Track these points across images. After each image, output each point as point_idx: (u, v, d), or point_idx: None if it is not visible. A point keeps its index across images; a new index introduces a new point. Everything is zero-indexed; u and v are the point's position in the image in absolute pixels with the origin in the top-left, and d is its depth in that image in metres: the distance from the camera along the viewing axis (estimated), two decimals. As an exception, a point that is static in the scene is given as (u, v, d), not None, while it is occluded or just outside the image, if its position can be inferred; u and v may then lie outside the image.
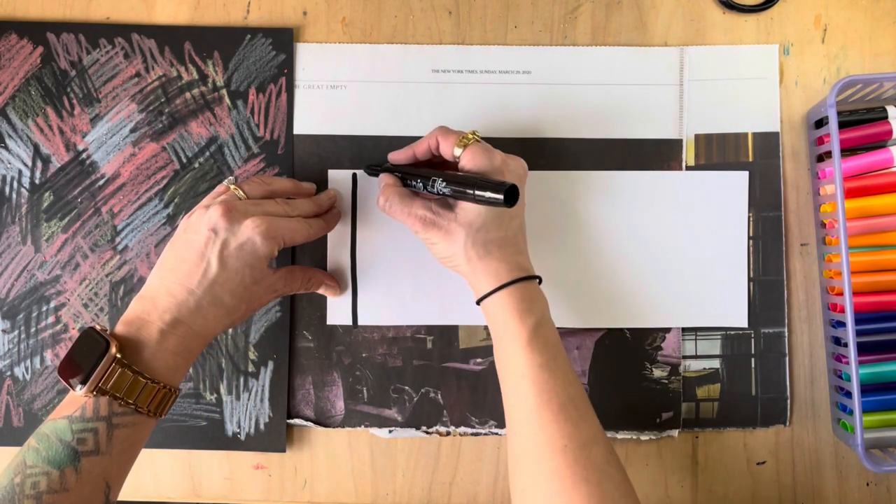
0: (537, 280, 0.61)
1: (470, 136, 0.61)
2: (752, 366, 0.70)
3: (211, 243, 0.57)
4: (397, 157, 0.67)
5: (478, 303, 0.61)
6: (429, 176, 0.60)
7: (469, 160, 0.60)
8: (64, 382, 0.53)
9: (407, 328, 0.70)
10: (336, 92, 0.71)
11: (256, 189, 0.62)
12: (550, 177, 0.70)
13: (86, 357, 0.53)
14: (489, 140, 0.69)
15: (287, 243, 0.60)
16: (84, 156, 0.70)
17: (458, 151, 0.61)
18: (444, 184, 0.59)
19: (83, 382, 0.52)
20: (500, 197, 0.54)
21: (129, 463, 0.55)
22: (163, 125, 0.70)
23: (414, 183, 0.63)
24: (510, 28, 0.71)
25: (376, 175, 0.67)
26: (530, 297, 0.59)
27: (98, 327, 0.55)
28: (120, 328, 0.55)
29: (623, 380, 0.70)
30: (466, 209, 0.59)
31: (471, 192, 0.56)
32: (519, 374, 0.57)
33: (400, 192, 0.63)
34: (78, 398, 0.53)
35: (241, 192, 0.61)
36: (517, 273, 0.59)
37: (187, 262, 0.57)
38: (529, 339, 0.57)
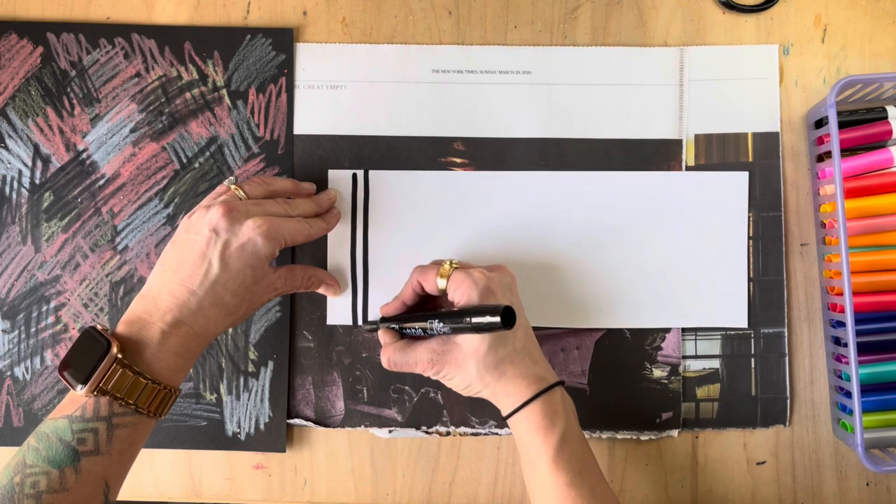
0: (560, 384, 0.60)
1: (447, 266, 0.61)
2: (752, 366, 0.70)
3: (212, 244, 0.57)
4: (388, 309, 0.66)
5: (505, 419, 0.60)
6: (424, 318, 0.61)
7: (454, 291, 0.60)
8: (64, 382, 0.53)
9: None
10: (336, 92, 0.71)
11: (257, 189, 0.62)
12: (550, 177, 0.70)
13: (87, 357, 0.53)
14: (490, 140, 0.69)
15: (288, 243, 0.60)
16: (84, 156, 0.70)
17: (441, 283, 0.61)
18: (441, 323, 0.59)
19: (84, 382, 0.52)
20: (497, 320, 0.54)
21: (129, 463, 0.55)
22: (163, 125, 0.70)
23: (412, 330, 0.63)
24: (510, 28, 0.71)
25: (375, 331, 0.68)
26: (553, 411, 0.58)
27: (99, 327, 0.55)
28: (121, 328, 0.55)
29: (623, 380, 0.70)
30: (469, 337, 0.58)
31: (467, 324, 0.56)
32: (546, 492, 0.57)
33: (399, 346, 0.63)
34: (78, 398, 0.53)
35: (241, 193, 0.61)
36: (536, 386, 0.59)
37: (188, 263, 0.57)
38: (555, 456, 0.57)
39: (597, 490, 0.57)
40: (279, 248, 0.60)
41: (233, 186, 0.61)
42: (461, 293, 0.59)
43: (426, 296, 0.65)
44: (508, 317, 0.54)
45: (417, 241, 0.69)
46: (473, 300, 0.58)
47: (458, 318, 0.57)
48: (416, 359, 0.61)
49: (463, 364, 0.59)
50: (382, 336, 0.65)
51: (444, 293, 0.61)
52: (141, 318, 0.55)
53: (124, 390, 0.53)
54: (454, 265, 0.61)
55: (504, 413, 0.60)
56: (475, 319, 0.55)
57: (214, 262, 0.57)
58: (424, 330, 0.61)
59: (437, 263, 0.63)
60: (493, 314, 0.54)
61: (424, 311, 0.65)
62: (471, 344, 0.58)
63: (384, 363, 0.64)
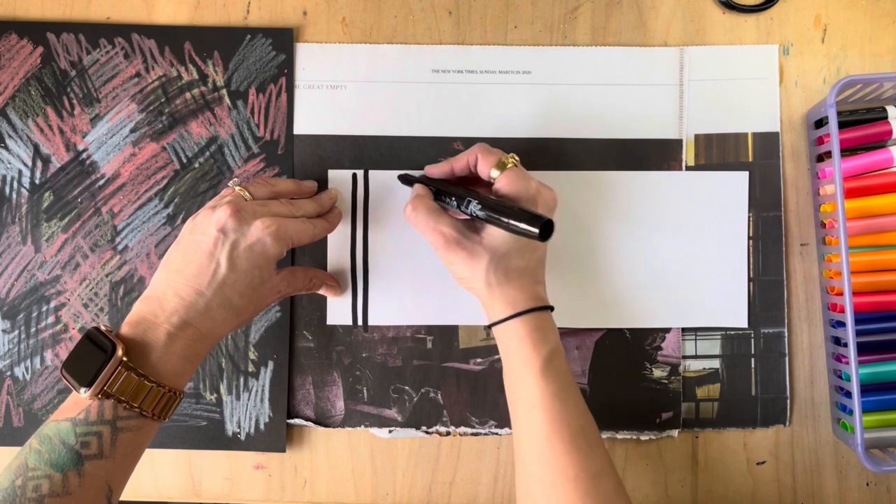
0: (550, 310, 0.61)
1: (509, 160, 0.61)
2: (752, 366, 0.70)
3: (220, 244, 0.57)
4: (434, 170, 0.66)
5: (489, 327, 0.61)
6: (464, 196, 0.60)
7: (505, 184, 0.60)
8: (67, 384, 0.53)
9: (407, 328, 0.70)
10: (336, 92, 0.71)
11: (261, 190, 0.62)
12: (551, 177, 0.70)
13: (91, 359, 0.52)
14: (490, 140, 0.69)
15: (294, 244, 0.60)
16: (84, 156, 0.70)
17: (494, 173, 0.61)
18: (479, 206, 0.58)
19: (88, 385, 0.51)
20: (535, 231, 0.54)
21: (132, 466, 0.55)
22: (163, 125, 0.70)
23: (447, 199, 0.62)
24: (510, 28, 0.71)
25: (409, 184, 0.67)
26: (544, 327, 0.59)
27: (103, 328, 0.54)
28: (125, 329, 0.55)
29: (623, 380, 0.70)
30: (493, 234, 0.59)
31: (505, 220, 0.56)
32: (531, 403, 0.57)
33: (429, 205, 0.62)
34: (82, 400, 0.52)
35: (246, 194, 0.61)
36: (533, 302, 0.59)
37: (195, 263, 0.56)
38: (542, 368, 0.57)
39: (580, 407, 0.58)
40: (286, 248, 0.59)
41: (237, 188, 0.61)
42: (509, 188, 0.59)
43: (472, 176, 0.64)
44: (547, 231, 0.54)
45: (417, 241, 0.69)
46: (516, 201, 0.59)
47: (498, 211, 0.57)
48: (436, 226, 0.60)
49: (477, 256, 0.59)
50: (418, 188, 0.64)
51: (491, 182, 0.61)
52: (146, 320, 0.55)
53: (129, 393, 0.52)
54: (514, 161, 0.61)
55: (494, 318, 0.60)
56: (513, 221, 0.55)
57: (223, 262, 0.56)
58: (459, 205, 0.60)
59: (501, 154, 0.62)
60: (532, 223, 0.54)
61: (465, 188, 0.64)
62: (494, 240, 0.59)
63: (407, 211, 0.62)
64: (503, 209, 0.57)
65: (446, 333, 0.70)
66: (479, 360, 0.70)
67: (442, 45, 0.71)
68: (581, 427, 0.56)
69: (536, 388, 0.57)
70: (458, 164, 0.64)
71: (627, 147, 0.70)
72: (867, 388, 0.66)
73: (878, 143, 0.68)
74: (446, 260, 0.61)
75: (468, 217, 0.61)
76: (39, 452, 0.51)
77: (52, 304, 0.70)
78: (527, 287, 0.60)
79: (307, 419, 0.70)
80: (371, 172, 0.70)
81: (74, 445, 0.51)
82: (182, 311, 0.55)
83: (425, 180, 0.66)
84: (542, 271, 0.62)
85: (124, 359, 0.52)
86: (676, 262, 0.70)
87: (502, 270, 0.59)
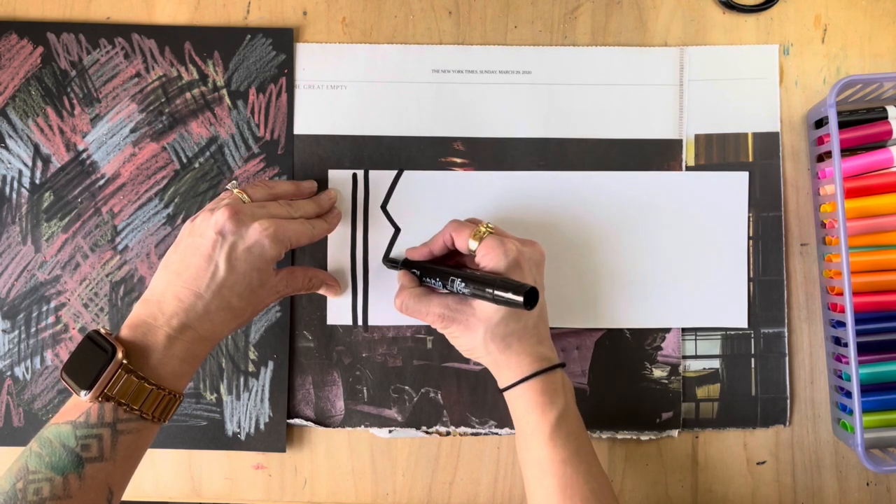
0: (561, 367, 0.61)
1: (483, 229, 0.61)
2: (752, 366, 0.70)
3: (218, 246, 0.57)
4: (414, 254, 0.67)
5: (500, 392, 0.61)
6: (447, 275, 0.61)
7: (484, 256, 0.60)
8: (67, 387, 0.53)
9: (407, 328, 0.70)
10: (336, 92, 0.71)
11: (260, 192, 0.62)
12: (550, 177, 0.70)
13: (91, 362, 0.52)
14: (490, 140, 0.69)
15: (293, 245, 0.60)
16: (84, 156, 0.70)
17: (473, 245, 0.61)
18: (463, 284, 0.59)
19: (88, 388, 0.51)
20: (520, 300, 0.54)
21: (133, 468, 0.55)
22: (163, 125, 0.70)
23: (433, 281, 0.63)
24: (510, 28, 0.71)
25: (395, 268, 0.68)
26: (552, 389, 0.59)
27: (103, 330, 0.54)
28: (125, 332, 0.55)
29: (623, 380, 0.70)
30: (483, 304, 0.59)
31: (490, 293, 0.56)
32: (541, 468, 0.57)
33: (415, 293, 0.63)
34: (82, 403, 0.52)
35: (245, 196, 0.61)
36: (538, 364, 0.59)
37: (194, 266, 0.56)
38: (552, 433, 0.57)
39: (592, 469, 0.58)
40: (285, 250, 0.59)
41: (235, 190, 0.61)
42: (489, 259, 0.59)
43: (454, 250, 0.65)
44: (531, 299, 0.54)
45: (417, 241, 0.69)
46: (500, 270, 0.59)
47: (481, 286, 0.57)
48: (428, 310, 0.61)
49: (472, 327, 0.59)
50: (402, 278, 0.66)
51: (473, 254, 0.61)
52: (146, 323, 0.55)
53: (129, 396, 0.52)
54: (489, 229, 0.61)
55: (501, 385, 0.60)
56: (498, 292, 0.55)
57: (221, 265, 0.56)
58: (444, 284, 0.61)
59: (474, 223, 0.63)
60: (516, 292, 0.54)
61: (449, 265, 0.65)
62: (485, 311, 0.59)
63: (396, 305, 0.64)
64: (485, 282, 0.57)
65: (446, 333, 0.70)
66: (479, 360, 0.70)
67: (442, 45, 0.71)
68: (592, 491, 0.56)
69: (546, 454, 0.57)
70: (435, 245, 0.65)
71: (627, 147, 0.70)
72: (867, 388, 0.66)
73: (878, 143, 0.68)
74: (448, 336, 0.63)
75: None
76: (40, 455, 0.51)
77: (53, 304, 0.70)
78: (529, 350, 0.60)
79: (307, 419, 0.70)
80: (371, 172, 0.70)
81: (75, 448, 0.51)
82: (181, 313, 0.55)
83: (409, 263, 0.67)
84: (545, 328, 0.62)
85: (124, 361, 0.52)
86: (676, 262, 0.70)
87: (500, 337, 0.59)
